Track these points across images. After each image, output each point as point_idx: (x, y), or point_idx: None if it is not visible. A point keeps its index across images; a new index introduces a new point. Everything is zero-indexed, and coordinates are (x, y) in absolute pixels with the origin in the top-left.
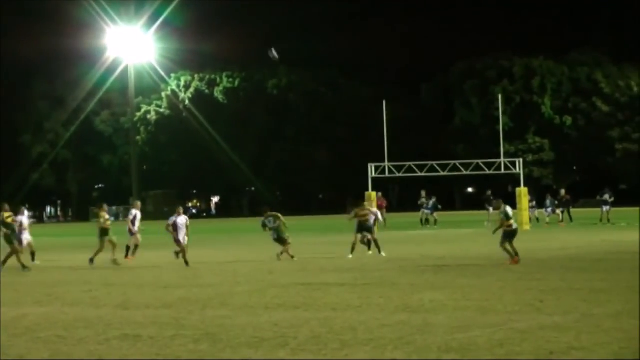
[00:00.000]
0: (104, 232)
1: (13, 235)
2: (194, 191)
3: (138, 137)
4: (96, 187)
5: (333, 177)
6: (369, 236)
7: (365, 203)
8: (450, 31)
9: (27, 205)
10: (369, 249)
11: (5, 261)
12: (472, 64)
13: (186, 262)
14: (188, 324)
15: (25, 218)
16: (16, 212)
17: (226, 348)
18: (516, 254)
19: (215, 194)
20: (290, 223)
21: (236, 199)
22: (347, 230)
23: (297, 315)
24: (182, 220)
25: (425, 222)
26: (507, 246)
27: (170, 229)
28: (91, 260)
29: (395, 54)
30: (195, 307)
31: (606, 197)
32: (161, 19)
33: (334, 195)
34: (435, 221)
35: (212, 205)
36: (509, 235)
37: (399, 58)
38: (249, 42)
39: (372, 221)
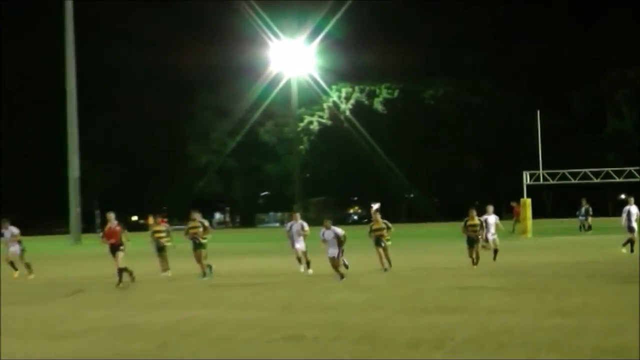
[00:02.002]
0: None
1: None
2: (355, 198)
3: (301, 147)
4: (261, 194)
5: (486, 184)
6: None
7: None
8: (600, 40)
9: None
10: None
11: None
12: (623, 72)
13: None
14: (349, 326)
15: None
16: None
17: (386, 349)
18: None
19: (374, 201)
20: (445, 230)
21: (394, 206)
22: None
23: (454, 318)
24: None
25: (588, 228)
26: None
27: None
28: None
29: (545, 63)
30: (355, 310)
31: None
32: (323, 33)
33: (488, 201)
34: (589, 227)
35: (372, 212)
36: None
37: (549, 67)
38: (407, 53)
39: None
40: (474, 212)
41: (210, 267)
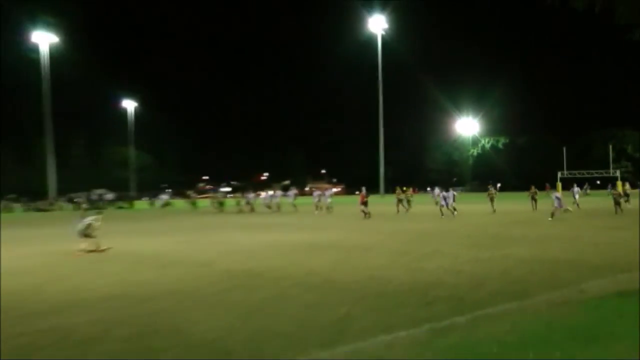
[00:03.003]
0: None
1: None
2: (490, 181)
3: (469, 162)
4: (453, 179)
5: (542, 177)
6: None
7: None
8: (592, 109)
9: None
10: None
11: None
12: (604, 128)
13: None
14: (483, 232)
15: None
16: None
17: (502, 240)
18: None
19: (497, 183)
20: (524, 196)
21: (505, 185)
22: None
23: (527, 230)
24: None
25: (585, 194)
26: None
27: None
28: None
29: (570, 125)
30: (483, 226)
31: None
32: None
33: (543, 184)
34: (587, 194)
35: (495, 188)
36: None
37: (572, 127)
38: (512, 120)
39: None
40: (532, 187)
41: (408, 208)
